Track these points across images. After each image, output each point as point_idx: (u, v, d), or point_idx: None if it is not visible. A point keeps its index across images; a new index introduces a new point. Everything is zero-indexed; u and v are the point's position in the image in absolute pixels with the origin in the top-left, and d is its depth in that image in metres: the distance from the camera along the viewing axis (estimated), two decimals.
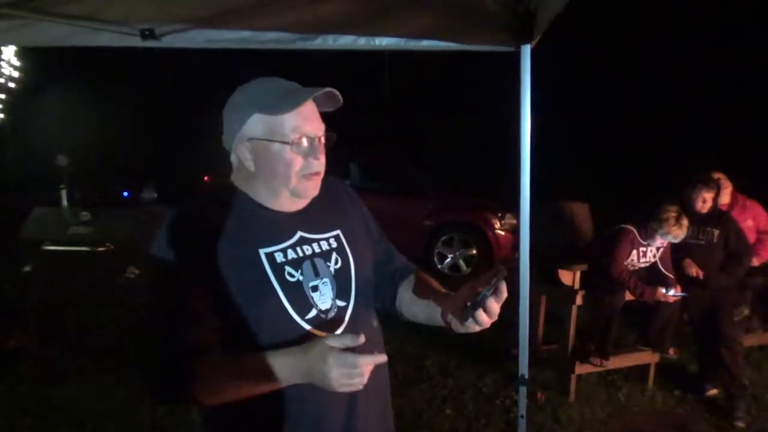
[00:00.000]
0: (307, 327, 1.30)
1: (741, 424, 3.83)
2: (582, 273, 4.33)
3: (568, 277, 4.33)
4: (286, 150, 1.29)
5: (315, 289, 1.33)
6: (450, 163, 10.94)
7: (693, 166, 4.79)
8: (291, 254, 1.33)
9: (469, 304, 1.20)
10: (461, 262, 7.99)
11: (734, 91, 12.79)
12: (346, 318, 1.36)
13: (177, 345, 1.22)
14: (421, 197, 8.19)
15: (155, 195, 6.73)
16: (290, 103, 1.28)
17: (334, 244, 1.40)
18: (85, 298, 4.33)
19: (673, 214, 3.93)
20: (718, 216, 4.32)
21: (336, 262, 1.38)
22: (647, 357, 4.34)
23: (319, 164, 1.33)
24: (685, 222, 3.95)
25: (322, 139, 1.34)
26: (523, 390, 2.35)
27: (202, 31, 2.23)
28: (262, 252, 1.30)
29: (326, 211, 1.42)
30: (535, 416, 3.90)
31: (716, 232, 4.25)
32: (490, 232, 7.91)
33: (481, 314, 1.20)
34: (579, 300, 4.24)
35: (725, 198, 4.72)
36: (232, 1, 2.10)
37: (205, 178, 8.45)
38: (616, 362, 4.25)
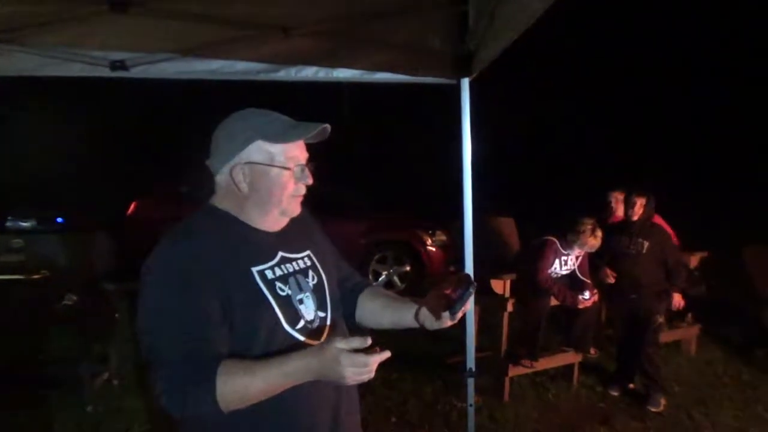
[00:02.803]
0: (298, 336, 1.44)
1: (654, 409, 4.28)
2: (511, 282, 4.67)
3: (499, 286, 4.64)
4: (283, 174, 1.44)
5: (301, 302, 1.47)
6: (379, 184, 11.27)
7: (607, 181, 5.27)
8: (278, 271, 1.46)
9: (444, 305, 1.45)
10: (395, 279, 8.24)
11: (645, 111, 14.04)
12: (327, 326, 1.52)
13: (202, 352, 1.28)
14: (354, 217, 8.37)
15: (86, 221, 6.54)
16: (297, 135, 1.44)
17: (309, 263, 1.56)
18: (18, 328, 4.18)
19: (589, 227, 4.36)
20: (649, 228, 4.50)
21: (313, 278, 1.54)
22: (571, 357, 4.73)
23: (304, 188, 1.50)
24: (599, 233, 4.38)
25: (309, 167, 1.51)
26: (470, 381, 2.59)
27: (172, 62, 2.35)
28: (254, 270, 1.42)
29: (299, 233, 1.57)
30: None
31: (646, 243, 4.44)
32: (422, 249, 8.22)
33: (458, 312, 1.44)
34: (510, 307, 4.57)
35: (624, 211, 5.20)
36: (203, 34, 2.24)
37: (133, 204, 8.28)
38: (544, 363, 4.61)
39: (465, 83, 2.45)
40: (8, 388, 4.15)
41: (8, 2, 1.77)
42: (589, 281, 4.64)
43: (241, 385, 1.27)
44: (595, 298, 4.51)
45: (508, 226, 5.66)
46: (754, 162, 11.38)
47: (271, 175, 1.43)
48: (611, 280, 4.56)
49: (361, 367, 1.24)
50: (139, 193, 8.37)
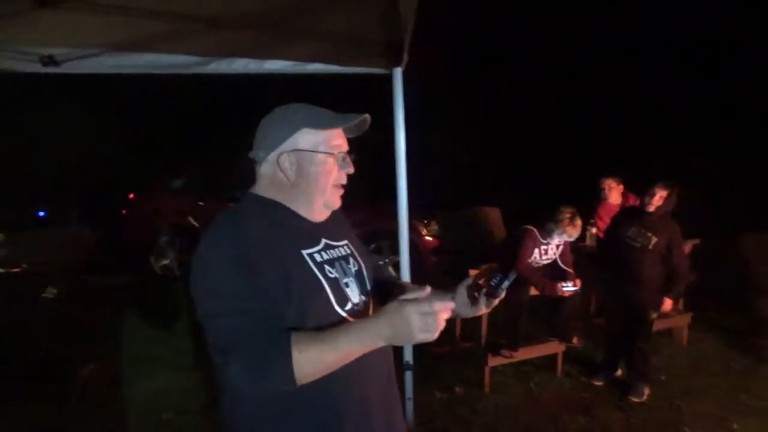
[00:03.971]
0: (348, 317, 1.46)
1: (636, 399, 4.24)
2: None
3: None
4: (329, 160, 1.50)
5: (347, 285, 1.51)
6: (372, 175, 11.25)
7: (590, 172, 5.19)
8: (324, 255, 1.50)
9: (485, 291, 1.52)
10: (390, 269, 8.20)
11: (623, 98, 13.78)
12: (370, 311, 1.55)
13: (274, 328, 1.30)
14: (349, 207, 8.29)
15: (77, 214, 6.61)
16: (340, 122, 1.50)
17: (348, 251, 1.61)
18: (1, 321, 4.25)
19: (568, 215, 4.30)
20: (662, 223, 4.14)
21: (354, 265, 1.59)
22: (554, 347, 4.68)
23: (346, 177, 1.55)
24: (578, 222, 4.32)
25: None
26: (408, 374, 2.58)
27: (101, 57, 2.34)
28: (304, 252, 1.46)
29: (335, 225, 1.63)
30: (454, 408, 4.14)
31: (654, 239, 4.12)
32: (418, 239, 8.17)
33: (495, 300, 1.52)
34: None
35: (616, 198, 5.14)
36: (133, 29, 2.22)
37: (131, 195, 8.38)
38: (526, 353, 4.56)
39: (397, 73, 2.43)
40: None
41: None
42: (571, 270, 4.59)
43: (316, 356, 1.28)
44: (577, 288, 4.44)
45: (494, 216, 5.62)
46: (745, 149, 11.08)
47: (317, 161, 1.48)
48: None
49: (427, 314, 1.23)
50: (134, 187, 8.47)
